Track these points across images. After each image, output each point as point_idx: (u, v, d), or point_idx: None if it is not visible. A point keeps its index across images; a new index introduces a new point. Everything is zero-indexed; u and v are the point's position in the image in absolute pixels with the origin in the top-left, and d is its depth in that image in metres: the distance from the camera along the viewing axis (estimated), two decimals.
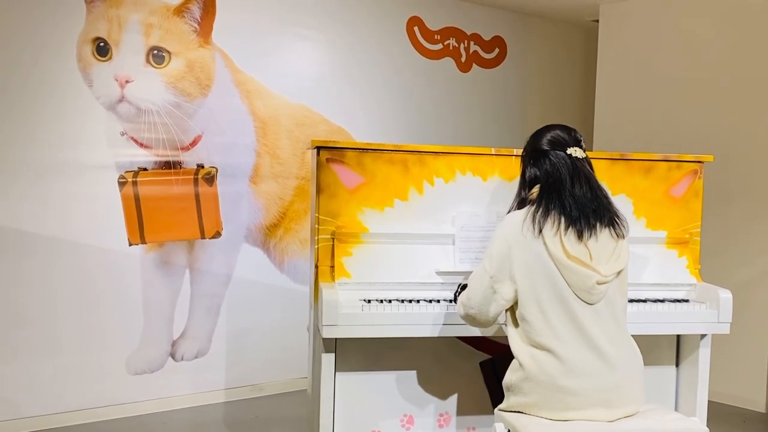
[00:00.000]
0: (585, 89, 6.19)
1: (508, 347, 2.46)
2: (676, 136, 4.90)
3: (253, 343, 4.59)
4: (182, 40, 4.17)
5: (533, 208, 2.37)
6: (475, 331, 2.73)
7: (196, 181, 4.29)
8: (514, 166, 2.97)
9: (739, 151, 4.61)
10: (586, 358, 2.27)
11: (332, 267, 2.81)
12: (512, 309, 2.40)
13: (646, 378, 2.43)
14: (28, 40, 3.79)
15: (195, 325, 4.38)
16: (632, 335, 2.42)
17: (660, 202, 3.15)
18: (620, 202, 2.48)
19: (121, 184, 4.08)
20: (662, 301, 2.98)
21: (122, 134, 4.07)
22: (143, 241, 4.16)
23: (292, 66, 4.70)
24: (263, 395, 4.61)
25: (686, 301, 3.02)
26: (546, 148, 2.43)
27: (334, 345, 2.75)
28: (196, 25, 4.23)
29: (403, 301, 2.74)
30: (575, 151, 2.42)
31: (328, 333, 2.64)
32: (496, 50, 5.67)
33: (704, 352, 3.07)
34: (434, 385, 2.97)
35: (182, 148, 4.24)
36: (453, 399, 2.99)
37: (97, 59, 3.96)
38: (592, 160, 2.50)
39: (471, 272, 2.80)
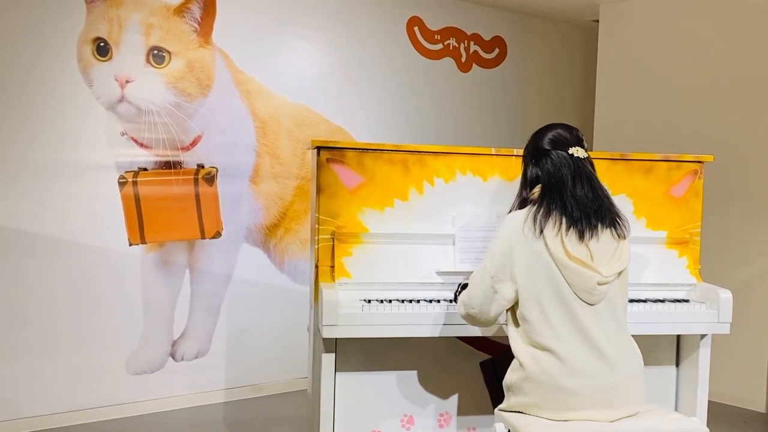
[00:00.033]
0: (585, 89, 6.19)
1: (508, 347, 2.46)
2: (676, 136, 4.90)
3: (253, 343, 4.59)
4: (182, 40, 4.17)
5: (534, 208, 2.37)
6: (475, 331, 2.73)
7: (196, 181, 4.29)
8: (515, 167, 2.97)
9: (739, 151, 4.61)
10: (586, 358, 2.27)
11: (332, 267, 2.81)
12: (513, 309, 2.40)
13: (646, 378, 2.43)
14: (29, 40, 3.79)
15: (195, 325, 4.38)
16: (632, 335, 2.42)
17: (660, 202, 3.15)
18: (620, 202, 2.48)
19: (122, 184, 4.08)
20: (662, 301, 2.98)
21: (122, 134, 4.07)
22: (143, 241, 4.16)
23: (292, 66, 4.70)
24: (263, 395, 4.61)
25: (686, 301, 3.02)
26: (547, 147, 2.42)
27: (334, 345, 2.75)
28: (196, 25, 4.23)
29: (403, 301, 2.74)
30: (577, 151, 2.41)
31: (328, 333, 2.64)
32: (496, 50, 5.67)
33: (704, 352, 3.07)
34: (434, 385, 2.97)
35: (182, 148, 4.24)
36: (453, 399, 2.99)
37: (98, 59, 3.96)
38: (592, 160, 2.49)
39: (471, 272, 2.81)
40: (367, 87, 5.02)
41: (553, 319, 2.29)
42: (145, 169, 4.14)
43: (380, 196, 2.89)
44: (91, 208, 4.01)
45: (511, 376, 2.38)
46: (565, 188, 2.36)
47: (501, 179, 2.98)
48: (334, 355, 2.75)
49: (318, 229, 2.84)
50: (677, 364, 3.20)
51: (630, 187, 3.11)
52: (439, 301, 2.76)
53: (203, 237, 4.35)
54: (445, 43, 5.37)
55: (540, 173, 2.42)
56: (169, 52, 4.13)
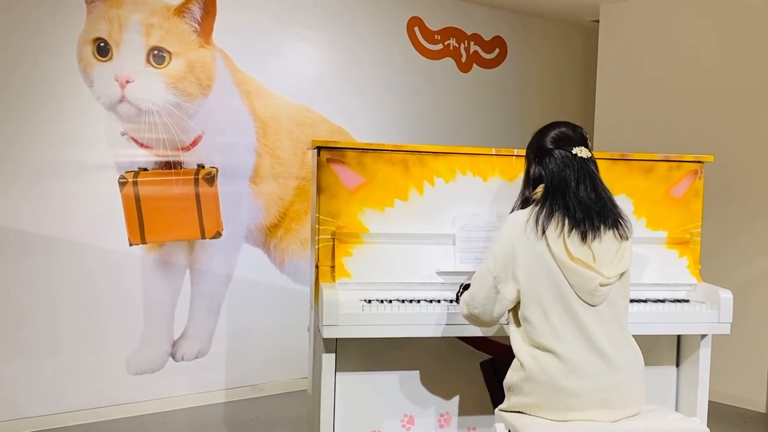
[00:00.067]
0: (585, 89, 6.19)
1: (508, 347, 2.46)
2: (677, 136, 4.90)
3: (254, 344, 4.59)
4: (183, 40, 4.17)
5: (537, 208, 2.35)
6: (475, 331, 2.73)
7: (196, 181, 4.29)
8: (515, 167, 2.97)
9: (740, 151, 4.61)
10: (587, 359, 2.27)
11: (333, 267, 2.81)
12: (515, 309, 2.39)
13: (647, 378, 2.42)
14: (29, 40, 3.79)
15: (195, 326, 4.38)
16: (633, 335, 2.42)
17: (660, 202, 3.15)
18: (620, 202, 2.47)
19: (122, 184, 4.08)
20: (663, 301, 2.98)
21: (122, 134, 4.07)
22: (143, 241, 4.16)
23: (293, 66, 4.70)
24: (263, 395, 4.61)
25: (687, 301, 3.02)
26: (550, 146, 2.40)
27: (334, 345, 2.75)
28: (196, 26, 4.23)
29: (403, 301, 2.74)
30: (581, 151, 2.39)
31: (328, 333, 2.64)
32: (497, 50, 5.67)
33: (705, 353, 3.07)
34: (435, 385, 2.97)
35: (183, 148, 4.24)
36: (454, 399, 2.99)
37: (98, 59, 3.96)
38: None
39: (471, 272, 2.81)
40: (368, 87, 5.02)
41: (554, 320, 2.29)
42: (146, 169, 4.14)
43: (380, 196, 2.89)
44: (91, 208, 4.01)
45: (511, 376, 2.37)
46: (568, 189, 2.35)
47: (501, 179, 2.98)
48: (334, 355, 2.75)
49: (318, 229, 2.84)
50: (677, 365, 3.20)
51: (630, 187, 3.11)
52: (439, 301, 2.76)
53: (203, 237, 4.35)
54: (446, 43, 5.37)
55: (543, 173, 2.40)
56: (169, 52, 4.13)
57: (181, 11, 4.17)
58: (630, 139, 5.10)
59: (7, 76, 3.76)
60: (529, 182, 2.46)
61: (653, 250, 3.10)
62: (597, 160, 2.46)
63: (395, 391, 2.92)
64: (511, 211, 2.50)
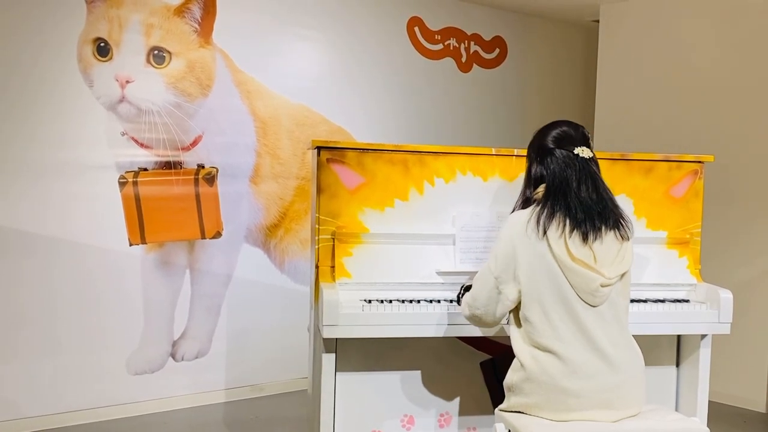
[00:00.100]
0: (585, 89, 6.19)
1: (508, 347, 2.45)
2: (677, 136, 4.90)
3: (254, 344, 4.59)
4: (183, 40, 4.17)
5: (538, 209, 2.35)
6: (475, 331, 2.73)
7: (196, 181, 4.29)
8: (515, 167, 2.97)
9: (740, 151, 4.61)
10: (588, 359, 2.27)
11: (333, 267, 2.81)
12: (515, 309, 2.39)
13: (647, 378, 2.42)
14: (29, 40, 3.79)
15: (195, 326, 4.38)
16: (633, 335, 2.42)
17: (660, 203, 3.15)
18: (621, 202, 2.47)
19: (122, 184, 4.08)
20: (663, 301, 2.98)
21: (123, 134, 4.07)
22: (144, 241, 4.16)
23: (293, 66, 4.70)
24: (263, 395, 4.61)
25: (687, 301, 3.02)
26: (552, 146, 2.40)
27: (334, 345, 2.75)
28: (196, 26, 4.23)
29: (403, 301, 2.74)
30: (582, 151, 2.38)
31: (328, 333, 2.64)
32: (497, 50, 5.67)
33: (705, 353, 3.07)
34: (435, 385, 2.97)
35: (183, 148, 4.24)
36: (454, 399, 2.99)
37: (98, 59, 3.96)
38: None
39: (471, 272, 2.81)
40: (368, 87, 5.02)
41: (555, 320, 2.28)
42: (146, 169, 4.14)
43: (380, 196, 2.89)
44: (91, 208, 4.01)
45: (512, 377, 2.37)
46: (569, 189, 2.34)
47: (501, 179, 2.98)
48: (334, 355, 2.75)
49: (318, 229, 2.84)
50: (677, 365, 3.20)
51: (630, 187, 3.11)
52: (439, 301, 2.76)
53: (203, 237, 4.35)
54: (446, 43, 5.37)
55: (544, 173, 2.39)
56: (169, 52, 4.13)
57: (181, 11, 4.17)
58: (630, 139, 5.10)
59: (7, 76, 3.76)
60: (531, 182, 2.45)
61: (653, 250, 3.10)
62: (598, 160, 2.46)
63: (395, 391, 2.92)
64: (512, 211, 2.49)
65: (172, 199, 4.20)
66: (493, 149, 2.99)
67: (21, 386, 3.86)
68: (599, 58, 5.43)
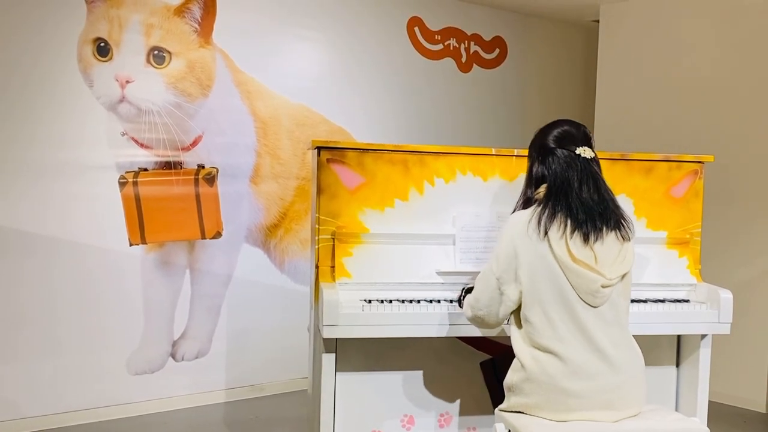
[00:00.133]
0: (585, 89, 6.19)
1: (508, 347, 2.45)
2: (677, 136, 4.90)
3: (254, 344, 4.59)
4: (183, 40, 4.17)
5: (539, 209, 2.34)
6: (475, 331, 2.73)
7: (196, 181, 4.29)
8: (515, 167, 2.97)
9: (740, 151, 4.62)
10: (588, 360, 2.26)
11: (333, 267, 2.81)
12: (516, 310, 2.39)
13: (647, 378, 2.42)
14: (29, 40, 3.79)
15: (195, 326, 4.38)
16: (633, 335, 2.42)
17: (660, 203, 3.15)
18: (621, 202, 2.47)
19: (122, 184, 4.08)
20: (663, 301, 2.98)
21: (123, 134, 4.07)
22: (144, 242, 4.16)
23: (293, 66, 4.70)
24: (263, 395, 4.61)
25: (687, 301, 3.02)
26: (553, 145, 2.39)
27: (334, 345, 2.75)
28: (196, 26, 4.23)
29: (403, 301, 2.74)
30: (584, 151, 2.37)
31: (328, 333, 2.64)
32: (497, 50, 5.67)
33: (705, 353, 3.07)
34: (435, 385, 2.97)
35: (183, 149, 4.24)
36: (454, 399, 2.99)
37: (98, 59, 3.96)
38: None
39: (471, 272, 2.81)
40: (368, 87, 5.02)
41: (555, 321, 2.28)
42: (146, 170, 4.14)
43: (380, 196, 2.89)
44: (91, 208, 4.01)
45: (512, 377, 2.37)
46: (570, 190, 2.33)
47: (501, 179, 2.98)
48: (334, 355, 2.75)
49: (318, 229, 2.84)
50: (678, 365, 3.20)
51: (630, 187, 3.11)
52: (439, 301, 2.76)
53: (203, 237, 4.35)
54: (446, 44, 5.37)
55: (546, 173, 2.38)
56: (169, 52, 4.13)
57: (181, 11, 4.17)
58: (630, 139, 5.10)
59: (8, 76, 3.76)
60: (532, 181, 2.44)
61: (653, 250, 3.10)
62: (599, 160, 2.45)
63: (395, 391, 2.92)
64: (513, 211, 2.49)
65: (172, 200, 4.20)
66: (493, 149, 2.99)
67: (21, 386, 3.86)
68: (599, 58, 5.43)
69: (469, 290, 2.58)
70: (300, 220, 4.71)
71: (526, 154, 2.54)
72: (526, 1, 5.46)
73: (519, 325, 2.38)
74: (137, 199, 4.11)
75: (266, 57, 4.57)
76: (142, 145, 4.12)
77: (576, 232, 2.29)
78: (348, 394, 2.85)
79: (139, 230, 4.14)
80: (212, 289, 4.43)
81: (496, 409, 2.47)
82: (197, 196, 4.30)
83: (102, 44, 3.95)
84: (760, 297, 4.52)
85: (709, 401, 3.15)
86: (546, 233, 2.29)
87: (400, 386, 2.93)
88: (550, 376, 2.26)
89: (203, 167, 4.31)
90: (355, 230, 2.85)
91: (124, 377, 4.15)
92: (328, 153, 2.85)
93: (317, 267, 2.84)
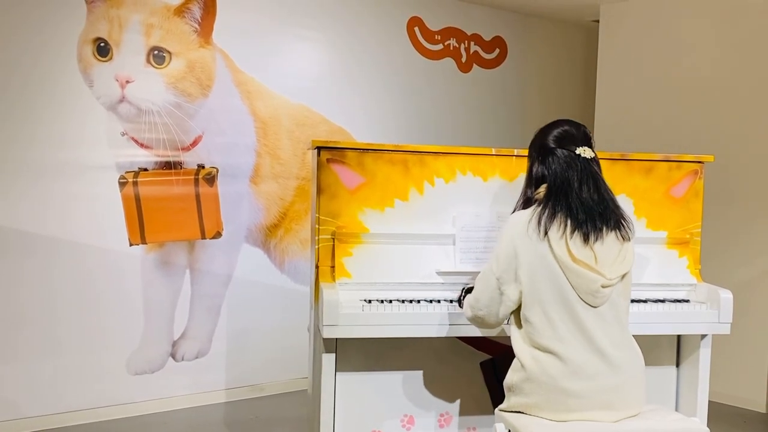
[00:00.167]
0: (585, 89, 6.19)
1: (508, 347, 2.45)
2: (677, 136, 4.90)
3: (254, 344, 4.59)
4: (183, 40, 4.17)
5: (539, 209, 2.34)
6: (475, 331, 2.73)
7: (196, 181, 4.29)
8: (515, 167, 2.97)
9: (740, 152, 4.62)
10: (589, 360, 2.26)
11: (333, 267, 2.81)
12: (516, 310, 2.39)
13: (647, 378, 2.42)
14: (29, 40, 3.79)
15: (195, 326, 4.38)
16: (633, 335, 2.42)
17: (660, 203, 3.15)
18: (621, 202, 2.47)
19: (122, 184, 4.08)
20: (663, 301, 2.98)
21: (123, 134, 4.07)
22: (144, 242, 4.16)
23: (293, 66, 4.70)
24: (263, 395, 4.61)
25: (687, 301, 3.02)
26: (553, 145, 2.39)
27: (334, 345, 2.75)
28: (196, 26, 4.23)
29: (403, 301, 2.74)
30: (584, 151, 2.38)
31: (328, 333, 2.64)
32: (497, 50, 5.67)
33: (705, 353, 3.07)
34: (435, 385, 2.97)
35: (183, 149, 4.24)
36: (454, 399, 2.99)
37: (98, 59, 3.96)
38: None
39: (471, 272, 2.81)
40: (368, 87, 5.02)
41: (555, 321, 2.28)
42: (146, 170, 4.14)
43: (380, 196, 2.89)
44: (91, 208, 4.01)
45: (512, 377, 2.37)
46: (571, 190, 2.33)
47: (501, 179, 2.98)
48: (334, 355, 2.75)
49: (318, 229, 2.84)
50: (678, 365, 3.20)
51: (630, 187, 3.11)
52: (439, 301, 2.76)
53: (203, 237, 4.35)
54: (446, 44, 5.37)
55: (546, 173, 2.38)
56: (169, 52, 4.13)
57: (181, 11, 4.17)
58: (630, 139, 5.10)
59: (8, 76, 3.76)
60: (532, 181, 2.44)
61: (653, 250, 3.10)
62: (599, 160, 2.45)
63: (395, 391, 2.92)
64: (513, 211, 2.49)
65: (172, 200, 4.20)
66: (493, 149, 2.99)
67: (21, 386, 3.86)
68: (599, 58, 5.43)
69: (469, 290, 2.58)
70: (300, 220, 4.71)
71: (526, 154, 2.54)
72: (526, 1, 5.46)
73: (519, 325, 2.38)
74: (137, 199, 4.11)
75: (266, 57, 4.57)
76: (142, 145, 4.12)
77: (576, 232, 2.29)
78: (348, 394, 2.85)
79: (139, 230, 4.14)
80: (212, 289, 4.43)
81: (496, 409, 2.47)
82: (197, 196, 4.30)
83: (102, 44, 3.95)
84: (760, 297, 4.52)
85: (709, 401, 3.15)
86: (546, 233, 2.29)
87: (400, 386, 2.93)
88: (550, 376, 2.26)
89: (203, 167, 4.31)
90: (355, 230, 2.85)
91: (124, 377, 4.15)
92: (328, 153, 2.85)
93: (317, 267, 2.84)
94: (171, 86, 4.15)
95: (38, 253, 3.87)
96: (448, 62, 5.40)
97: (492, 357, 3.00)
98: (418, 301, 2.75)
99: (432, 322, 2.71)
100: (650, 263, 3.08)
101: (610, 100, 5.33)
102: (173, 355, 4.31)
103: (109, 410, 4.10)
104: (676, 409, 3.16)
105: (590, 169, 2.37)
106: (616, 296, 2.33)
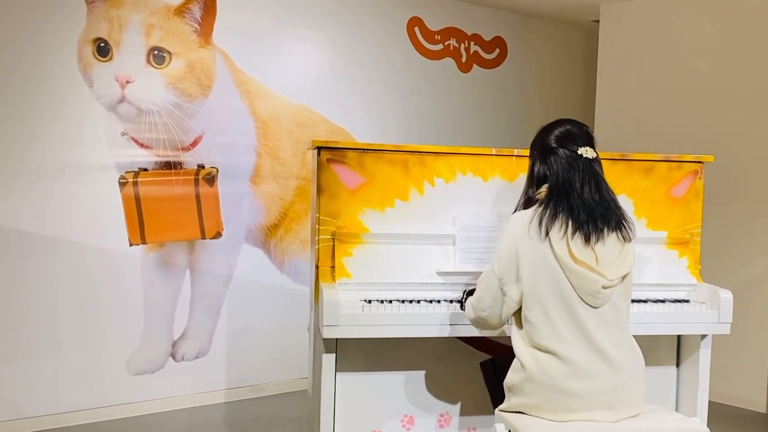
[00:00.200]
0: (585, 89, 6.19)
1: (508, 347, 2.45)
2: (677, 136, 4.90)
3: (254, 344, 4.59)
4: (183, 40, 4.17)
5: (541, 209, 2.34)
6: (475, 331, 2.72)
7: (196, 181, 4.29)
8: (515, 167, 2.97)
9: (740, 152, 4.61)
10: (589, 360, 2.26)
11: (333, 267, 2.81)
12: (517, 310, 2.39)
13: (647, 378, 2.42)
14: (29, 40, 3.79)
15: (195, 326, 4.38)
16: (633, 335, 2.42)
17: (660, 203, 3.15)
18: (621, 202, 2.47)
19: (122, 184, 4.08)
20: (663, 301, 2.98)
21: (123, 134, 4.07)
22: (144, 242, 4.16)
23: (293, 66, 4.70)
24: (264, 395, 4.61)
25: (687, 301, 3.02)
26: (555, 145, 2.38)
27: (334, 345, 2.75)
28: (196, 26, 4.23)
29: (403, 301, 2.74)
30: (586, 152, 2.37)
31: (328, 333, 2.64)
32: (497, 50, 5.67)
33: (705, 353, 3.07)
34: (435, 385, 2.97)
35: (183, 149, 4.24)
36: (454, 399, 2.99)
37: (98, 59, 3.96)
38: None
39: (471, 273, 2.81)
40: (368, 87, 5.02)
41: (555, 321, 2.28)
42: (146, 170, 4.14)
43: (381, 196, 2.89)
44: (91, 208, 4.01)
45: (512, 377, 2.37)
46: (572, 190, 2.33)
47: (501, 179, 2.98)
48: (334, 355, 2.75)
49: (318, 229, 2.84)
50: (678, 365, 3.20)
51: (630, 187, 3.11)
52: (439, 301, 2.76)
53: (204, 237, 4.35)
54: (446, 44, 5.37)
55: (548, 173, 2.38)
56: (169, 52, 4.13)
57: (181, 11, 4.17)
58: (630, 139, 5.09)
59: (8, 76, 3.76)
60: (533, 181, 2.43)
61: (653, 250, 3.10)
62: (601, 161, 2.45)
63: (395, 391, 2.92)
64: (515, 211, 2.48)
65: (172, 200, 4.20)
66: (493, 149, 2.99)
67: (21, 386, 3.86)
68: (599, 58, 5.43)
69: (471, 292, 2.57)
70: (300, 220, 4.71)
71: (527, 154, 2.54)
72: (526, 1, 5.46)
73: (519, 326, 2.38)
74: (137, 199, 4.11)
75: (266, 57, 4.57)
76: (142, 145, 4.12)
77: (577, 232, 2.29)
78: (348, 394, 2.85)
79: (139, 230, 4.14)
80: (212, 289, 4.43)
81: (496, 410, 2.47)
82: (197, 196, 4.30)
83: (102, 44, 3.95)
84: (760, 297, 4.52)
85: (709, 401, 3.15)
86: (547, 234, 2.29)
87: (400, 386, 2.93)
88: (550, 376, 2.26)
89: (203, 167, 4.31)
90: (355, 230, 2.85)
91: (124, 377, 4.15)
92: (328, 153, 2.85)
93: (317, 267, 2.84)
94: (171, 86, 4.15)
95: (38, 253, 3.87)
96: (448, 62, 5.40)
97: (492, 357, 3.00)
98: (418, 302, 2.75)
99: (432, 322, 2.71)
100: (650, 263, 3.08)
101: (610, 100, 5.33)
102: (173, 355, 4.31)
103: (110, 410, 4.10)
104: (676, 409, 3.16)
105: (592, 170, 2.37)
106: (617, 297, 2.33)
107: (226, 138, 4.39)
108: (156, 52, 4.09)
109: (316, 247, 2.84)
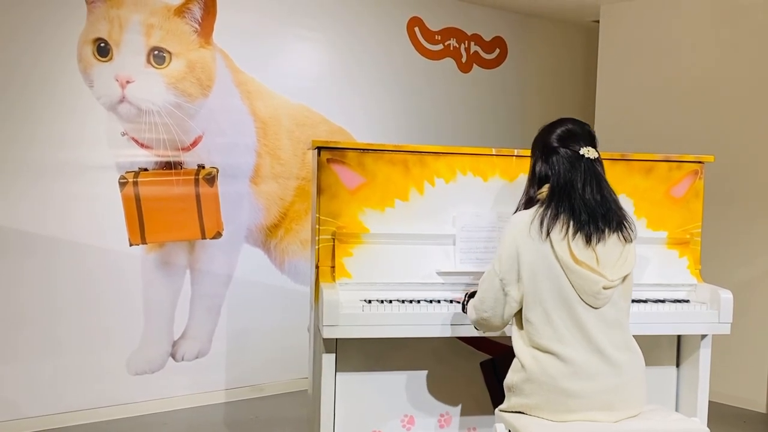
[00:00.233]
0: (585, 90, 6.19)
1: (508, 347, 2.45)
2: (677, 136, 4.90)
3: (254, 344, 4.59)
4: (183, 40, 4.17)
5: (542, 209, 2.33)
6: (475, 332, 2.72)
7: (196, 181, 4.29)
8: (515, 167, 2.97)
9: (740, 152, 4.61)
10: (589, 360, 2.26)
11: (333, 267, 2.81)
12: (518, 310, 2.38)
13: (647, 378, 2.42)
14: (29, 40, 3.79)
15: (195, 326, 4.38)
16: (633, 335, 2.41)
17: (661, 203, 3.15)
18: (621, 202, 2.47)
19: (122, 184, 4.08)
20: (663, 301, 2.98)
21: (123, 134, 4.07)
22: (144, 242, 4.16)
23: (293, 66, 4.70)
24: (264, 396, 4.61)
25: (687, 301, 3.02)
26: (556, 144, 2.37)
27: (334, 345, 2.75)
28: (196, 26, 4.23)
29: (403, 301, 2.74)
30: (588, 152, 2.36)
31: (328, 333, 2.64)
32: (497, 51, 5.67)
33: (705, 353, 3.07)
34: (435, 385, 2.97)
35: (183, 149, 4.24)
36: (454, 399, 2.99)
37: (98, 60, 3.96)
38: None
39: (471, 273, 2.82)
40: (368, 87, 5.02)
41: (556, 322, 2.28)
42: (146, 170, 4.14)
43: (381, 196, 2.89)
44: (91, 208, 4.01)
45: (512, 377, 2.37)
46: (574, 191, 2.32)
47: (501, 179, 2.98)
48: (334, 355, 2.75)
49: (318, 229, 2.84)
50: (678, 365, 3.20)
51: (630, 187, 3.11)
52: (439, 301, 2.76)
53: (204, 237, 4.35)
54: (446, 44, 5.37)
55: (549, 172, 2.36)
56: (169, 52, 4.13)
57: (181, 11, 4.17)
58: (630, 139, 5.09)
59: (8, 76, 3.76)
60: (535, 180, 2.42)
61: (653, 250, 3.10)
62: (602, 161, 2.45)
63: (395, 391, 2.92)
64: (516, 211, 2.48)
65: (172, 200, 4.20)
66: (493, 149, 2.99)
67: (21, 386, 3.86)
68: (599, 58, 5.43)
69: (472, 295, 2.57)
70: (300, 220, 4.71)
71: (527, 154, 2.53)
72: (526, 1, 5.46)
73: (519, 326, 2.38)
74: (137, 199, 4.11)
75: (266, 57, 4.57)
76: (142, 145, 4.12)
77: (578, 233, 2.28)
78: (348, 394, 2.85)
79: (139, 230, 4.14)
80: (212, 289, 4.43)
81: (496, 410, 2.46)
82: (197, 196, 4.30)
83: (102, 44, 3.95)
84: (760, 297, 4.52)
85: (709, 401, 3.15)
86: (548, 234, 2.28)
87: (401, 386, 2.93)
88: (550, 376, 2.26)
89: (203, 167, 4.31)
90: (355, 230, 2.85)
91: (124, 377, 4.15)
92: (329, 153, 2.85)
93: (317, 267, 2.84)
94: (171, 86, 4.15)
95: (38, 253, 3.87)
96: (448, 62, 5.40)
97: (492, 357, 3.00)
98: (419, 302, 2.75)
99: (432, 322, 2.71)
100: (650, 263, 3.08)
101: (610, 100, 5.33)
102: (173, 355, 4.31)
103: (110, 410, 4.10)
104: (677, 410, 3.16)
105: (594, 170, 2.36)
106: (617, 297, 2.33)
107: (226, 138, 4.39)
108: (156, 52, 4.09)
109: (316, 247, 2.84)
